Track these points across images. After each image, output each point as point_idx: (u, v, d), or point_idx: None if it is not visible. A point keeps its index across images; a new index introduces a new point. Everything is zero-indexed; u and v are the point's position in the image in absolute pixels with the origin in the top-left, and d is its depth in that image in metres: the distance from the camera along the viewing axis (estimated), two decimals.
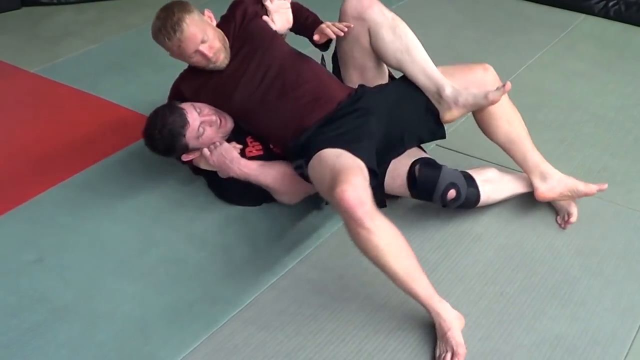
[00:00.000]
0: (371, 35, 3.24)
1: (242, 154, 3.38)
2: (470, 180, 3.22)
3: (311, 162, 3.01)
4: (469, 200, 3.24)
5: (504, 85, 3.07)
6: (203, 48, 3.21)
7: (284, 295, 2.97)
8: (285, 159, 3.34)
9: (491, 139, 3.37)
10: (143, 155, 3.77)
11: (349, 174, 2.75)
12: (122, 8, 6.04)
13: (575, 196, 3.34)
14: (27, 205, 3.54)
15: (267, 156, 3.41)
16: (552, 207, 3.46)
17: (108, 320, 2.86)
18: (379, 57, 3.31)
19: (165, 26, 3.22)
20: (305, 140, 3.12)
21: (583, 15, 5.77)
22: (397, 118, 3.20)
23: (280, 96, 3.25)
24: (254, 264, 3.13)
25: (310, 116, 3.18)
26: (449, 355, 2.64)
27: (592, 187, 3.32)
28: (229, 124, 3.40)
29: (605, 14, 5.71)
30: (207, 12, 3.39)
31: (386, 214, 2.75)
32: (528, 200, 3.44)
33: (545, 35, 5.41)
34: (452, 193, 3.16)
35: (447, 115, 3.20)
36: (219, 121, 3.34)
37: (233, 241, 3.27)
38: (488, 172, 3.36)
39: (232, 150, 3.33)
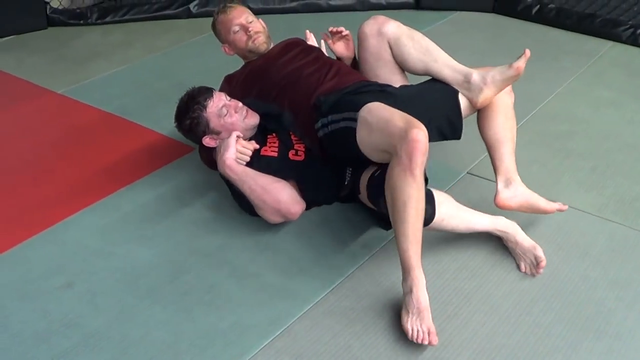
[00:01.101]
0: (392, 46, 3.43)
1: (258, 152, 3.45)
2: (429, 198, 3.05)
3: (368, 106, 3.10)
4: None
5: (524, 53, 3.21)
6: (246, 23, 3.73)
7: (317, 325, 2.93)
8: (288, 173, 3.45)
9: (481, 135, 3.42)
10: (172, 179, 3.78)
11: (420, 122, 2.90)
12: (148, 31, 6.06)
13: (534, 212, 3.36)
14: (54, 228, 3.51)
15: (280, 159, 3.49)
16: (584, 238, 3.42)
17: (140, 346, 2.82)
18: (403, 65, 3.46)
19: (223, 7, 3.85)
20: (338, 99, 3.27)
21: (611, 43, 5.76)
22: (419, 108, 3.20)
23: (315, 68, 3.54)
24: (286, 291, 3.10)
25: (342, 79, 3.44)
26: (417, 322, 2.78)
27: (553, 206, 3.35)
28: (253, 119, 3.53)
29: (633, 41, 5.70)
30: (261, 20, 3.88)
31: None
32: (561, 232, 3.41)
33: (573, 62, 5.39)
34: None
35: (480, 98, 3.27)
36: (245, 111, 3.51)
37: (264, 268, 3.23)
38: (449, 198, 3.24)
39: (230, 146, 3.33)
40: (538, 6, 6.16)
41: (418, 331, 2.75)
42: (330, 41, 3.73)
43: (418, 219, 2.82)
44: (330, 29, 3.72)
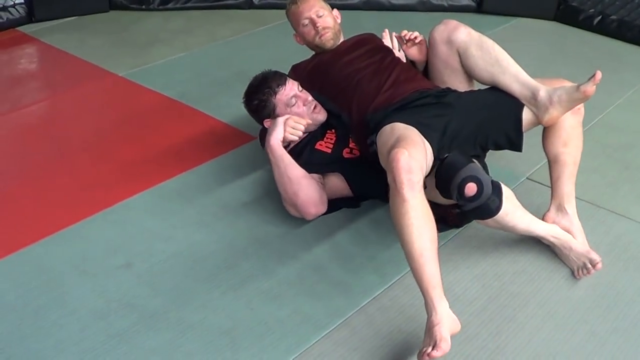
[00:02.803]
0: (460, 54, 3.36)
1: (312, 145, 3.53)
2: (497, 189, 3.00)
3: (382, 129, 3.09)
4: (487, 207, 2.97)
5: (594, 76, 3.01)
6: (315, 17, 3.72)
7: (375, 319, 2.93)
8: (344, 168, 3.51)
9: (544, 149, 3.35)
10: (233, 167, 3.80)
11: (410, 143, 2.85)
12: (210, 19, 6.09)
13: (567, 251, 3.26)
14: (115, 208, 3.55)
15: (332, 156, 3.52)
16: None
17: (197, 330, 2.84)
18: (470, 74, 3.40)
19: None
20: (382, 117, 3.21)
21: None
22: (477, 120, 3.20)
23: (374, 73, 3.51)
24: (344, 285, 3.10)
25: (395, 91, 3.38)
26: (430, 348, 2.58)
27: (587, 251, 3.21)
28: (321, 115, 3.59)
29: None
30: (335, 11, 3.89)
31: (477, 245, 2.73)
32: (619, 243, 3.40)
33: (634, 75, 5.35)
34: (471, 187, 2.91)
35: (546, 117, 3.17)
36: (313, 105, 3.58)
37: (323, 261, 3.24)
38: (513, 195, 3.18)
39: (278, 126, 3.40)
40: (600, 17, 6.12)
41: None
42: (404, 45, 3.68)
43: (421, 238, 2.68)
44: (404, 34, 3.65)
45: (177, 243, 3.32)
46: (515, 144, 3.26)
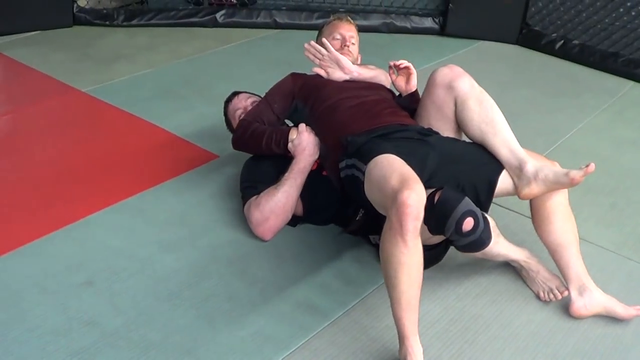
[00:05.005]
0: (457, 104, 3.25)
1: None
2: (486, 221, 2.98)
3: (376, 159, 2.99)
4: (480, 241, 2.95)
5: (587, 166, 2.94)
6: (348, 38, 3.86)
7: (337, 340, 2.93)
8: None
9: (540, 238, 3.26)
10: (196, 186, 3.80)
11: (416, 182, 2.75)
12: (174, 36, 6.09)
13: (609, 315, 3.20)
14: (76, 225, 3.52)
15: (314, 175, 3.53)
16: (602, 274, 3.39)
17: (159, 350, 2.82)
18: (461, 126, 3.29)
19: (344, 16, 4.03)
20: (364, 142, 3.14)
21: (632, 83, 5.80)
22: (453, 169, 3.13)
23: (362, 99, 3.50)
24: (307, 306, 3.10)
25: (377, 119, 3.32)
26: None
27: (630, 312, 3.15)
28: None
29: None
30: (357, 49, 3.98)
31: (439, 267, 2.73)
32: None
33: (595, 99, 5.41)
34: (469, 222, 2.85)
35: (525, 190, 3.09)
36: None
37: (286, 280, 3.23)
38: (493, 222, 3.15)
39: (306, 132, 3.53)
40: (562, 41, 6.19)
41: None
42: (393, 76, 3.66)
43: (412, 286, 2.67)
44: (390, 63, 3.63)
45: (138, 261, 3.29)
46: (482, 206, 3.12)
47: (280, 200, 3.40)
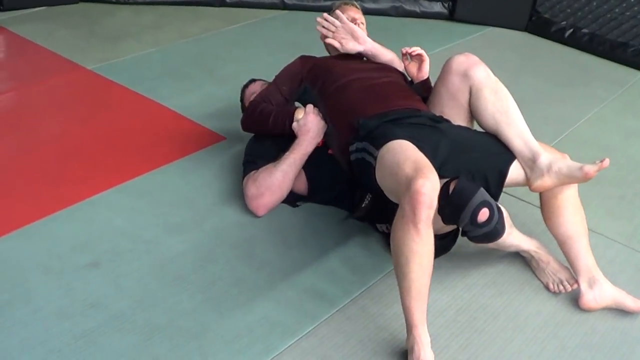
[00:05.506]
0: (472, 93, 3.21)
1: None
2: (500, 211, 2.93)
3: (389, 145, 2.96)
4: (495, 231, 2.92)
5: (602, 161, 2.91)
6: (356, 20, 3.83)
7: (344, 328, 2.91)
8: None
9: (550, 231, 3.24)
10: (203, 167, 3.76)
11: (430, 171, 2.71)
12: (180, 15, 6.05)
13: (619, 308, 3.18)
14: (81, 205, 3.49)
15: (319, 151, 3.53)
16: (611, 266, 3.39)
17: (164, 333, 2.79)
18: (475, 115, 3.26)
19: (349, 1, 4.02)
20: (376, 126, 3.12)
21: None
22: (465, 157, 3.08)
23: (373, 81, 3.48)
24: (314, 292, 3.08)
25: (389, 102, 3.29)
26: None
27: None
28: None
29: None
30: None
31: (447, 257, 2.80)
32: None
33: (604, 89, 5.38)
34: (484, 213, 2.83)
35: (537, 182, 3.05)
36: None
37: (293, 266, 3.21)
38: (508, 215, 3.16)
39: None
40: (571, 30, 6.16)
41: None
42: (406, 62, 3.62)
43: (423, 275, 2.66)
44: (403, 50, 3.58)
45: (143, 243, 3.26)
46: (492, 195, 3.03)
47: (277, 178, 3.41)
